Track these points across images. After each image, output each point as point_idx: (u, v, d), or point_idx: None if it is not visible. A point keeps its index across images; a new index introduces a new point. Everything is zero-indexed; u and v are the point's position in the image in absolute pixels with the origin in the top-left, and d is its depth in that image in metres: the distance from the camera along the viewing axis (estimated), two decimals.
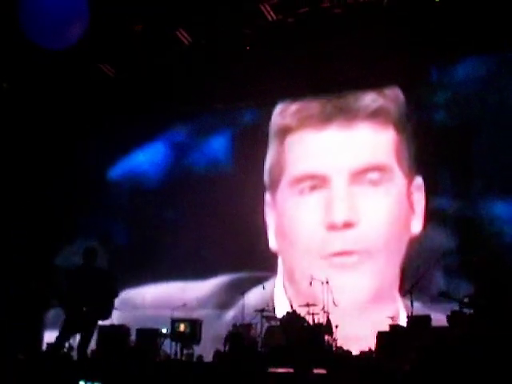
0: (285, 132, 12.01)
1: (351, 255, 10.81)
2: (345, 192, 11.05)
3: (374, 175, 11.04)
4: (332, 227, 10.97)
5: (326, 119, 11.57)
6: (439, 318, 8.21)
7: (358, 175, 11.08)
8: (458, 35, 10.19)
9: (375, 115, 11.27)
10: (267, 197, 11.99)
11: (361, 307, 10.49)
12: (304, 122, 11.79)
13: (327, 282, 9.93)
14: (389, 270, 10.63)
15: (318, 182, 11.33)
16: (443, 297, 8.29)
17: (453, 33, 10.18)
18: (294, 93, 11.94)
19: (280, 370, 7.17)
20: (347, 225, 10.84)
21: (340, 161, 11.29)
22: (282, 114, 12.17)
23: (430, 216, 10.66)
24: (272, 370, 7.34)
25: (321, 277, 9.99)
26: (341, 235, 10.90)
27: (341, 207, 10.98)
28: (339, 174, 11.17)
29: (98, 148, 13.26)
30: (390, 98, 11.32)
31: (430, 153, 10.85)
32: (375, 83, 11.37)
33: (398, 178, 10.97)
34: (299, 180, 11.54)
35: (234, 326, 10.49)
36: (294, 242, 11.44)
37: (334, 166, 11.28)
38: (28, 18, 8.54)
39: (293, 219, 11.55)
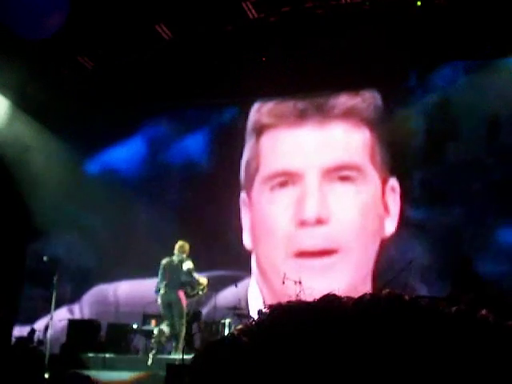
0: (260, 130, 12.02)
1: (322, 253, 10.82)
2: (317, 189, 11.06)
3: (346, 173, 11.07)
4: (303, 224, 10.95)
5: (300, 117, 11.58)
6: None
7: (331, 173, 11.09)
8: (438, 40, 10.27)
9: (350, 114, 11.32)
10: (243, 195, 11.98)
11: None
12: (279, 119, 11.79)
13: (300, 282, 9.94)
14: (360, 268, 10.69)
15: (289, 178, 11.33)
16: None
17: (433, 37, 10.25)
18: (273, 91, 11.93)
19: None
20: (319, 221, 10.84)
21: (313, 158, 11.30)
22: (259, 112, 12.17)
23: (404, 218, 10.76)
24: None
25: (292, 274, 10.01)
26: (311, 232, 10.89)
27: (313, 204, 10.97)
28: (312, 171, 11.16)
29: (74, 141, 13.10)
30: (367, 99, 11.37)
31: (406, 156, 10.95)
32: (353, 84, 11.43)
33: (372, 177, 11.02)
34: (271, 177, 11.54)
35: (206, 323, 10.51)
36: (267, 240, 11.45)
37: (307, 163, 11.28)
38: (6, 7, 8.45)
39: (265, 216, 11.55)
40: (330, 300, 0.64)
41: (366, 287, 10.56)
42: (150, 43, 11.27)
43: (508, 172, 10.24)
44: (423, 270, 10.13)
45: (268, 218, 11.49)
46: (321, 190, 11.06)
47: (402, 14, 10.14)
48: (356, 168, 11.10)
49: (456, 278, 8.54)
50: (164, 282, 9.85)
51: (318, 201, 10.98)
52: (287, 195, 11.31)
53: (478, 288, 8.04)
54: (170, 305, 9.80)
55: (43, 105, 12.67)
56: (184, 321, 9.72)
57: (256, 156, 11.96)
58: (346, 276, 10.67)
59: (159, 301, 9.86)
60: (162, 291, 9.78)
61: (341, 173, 11.07)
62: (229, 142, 12.30)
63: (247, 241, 11.68)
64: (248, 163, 12.06)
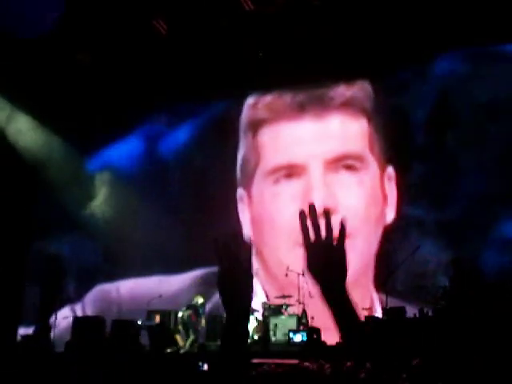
0: (258, 125, 11.99)
1: None
2: (322, 180, 11.13)
3: (348, 163, 11.13)
4: None
5: (299, 109, 11.59)
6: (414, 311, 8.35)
7: (334, 163, 11.16)
8: (436, 29, 10.22)
9: (348, 105, 11.34)
10: (240, 192, 11.96)
11: None
12: (277, 114, 11.78)
13: (303, 274, 9.95)
14: (364, 256, 10.72)
15: (293, 170, 11.36)
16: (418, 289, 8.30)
17: (431, 27, 10.20)
18: (268, 84, 11.87)
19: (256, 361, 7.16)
20: (327, 211, 10.85)
21: (315, 150, 11.34)
22: (254, 107, 12.13)
23: (404, 210, 10.79)
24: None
25: (299, 266, 10.03)
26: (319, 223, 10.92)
27: (319, 195, 11.02)
28: (315, 162, 11.22)
29: (75, 139, 13.07)
30: (364, 89, 11.38)
31: (405, 147, 10.97)
32: (350, 75, 11.42)
33: (372, 166, 11.10)
34: (274, 171, 11.56)
35: (210, 316, 10.57)
36: (271, 232, 11.45)
37: (310, 155, 11.33)
38: (1, 6, 8.44)
39: (269, 210, 11.56)
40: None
41: (367, 279, 10.57)
42: (147, 38, 11.21)
43: (508, 160, 10.19)
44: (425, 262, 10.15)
45: (272, 211, 11.50)
46: (325, 180, 11.12)
47: (400, 4, 10.09)
48: (358, 157, 11.16)
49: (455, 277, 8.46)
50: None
51: (324, 192, 11.04)
52: (292, 187, 11.35)
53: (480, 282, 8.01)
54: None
55: (42, 103, 12.66)
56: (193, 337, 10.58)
57: (255, 151, 11.94)
58: (352, 265, 10.68)
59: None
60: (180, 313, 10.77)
61: (343, 163, 11.14)
62: (229, 136, 12.28)
63: (248, 236, 11.65)
64: (246, 159, 12.04)
